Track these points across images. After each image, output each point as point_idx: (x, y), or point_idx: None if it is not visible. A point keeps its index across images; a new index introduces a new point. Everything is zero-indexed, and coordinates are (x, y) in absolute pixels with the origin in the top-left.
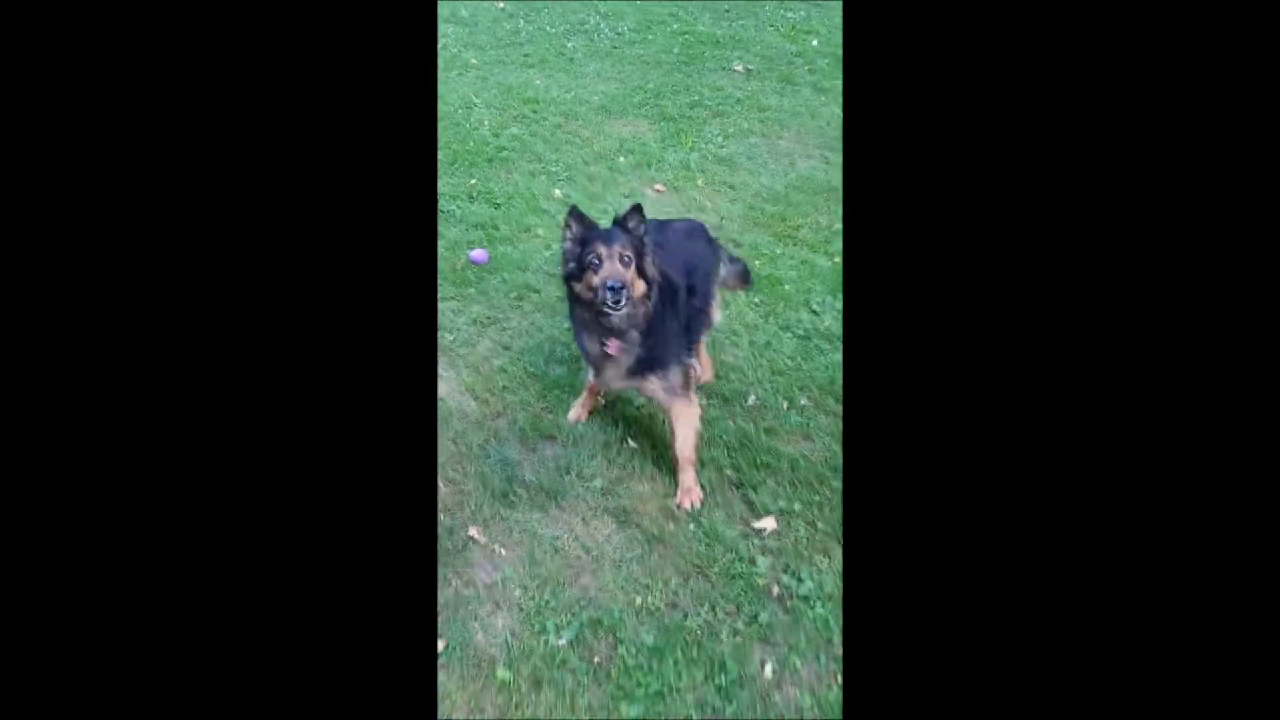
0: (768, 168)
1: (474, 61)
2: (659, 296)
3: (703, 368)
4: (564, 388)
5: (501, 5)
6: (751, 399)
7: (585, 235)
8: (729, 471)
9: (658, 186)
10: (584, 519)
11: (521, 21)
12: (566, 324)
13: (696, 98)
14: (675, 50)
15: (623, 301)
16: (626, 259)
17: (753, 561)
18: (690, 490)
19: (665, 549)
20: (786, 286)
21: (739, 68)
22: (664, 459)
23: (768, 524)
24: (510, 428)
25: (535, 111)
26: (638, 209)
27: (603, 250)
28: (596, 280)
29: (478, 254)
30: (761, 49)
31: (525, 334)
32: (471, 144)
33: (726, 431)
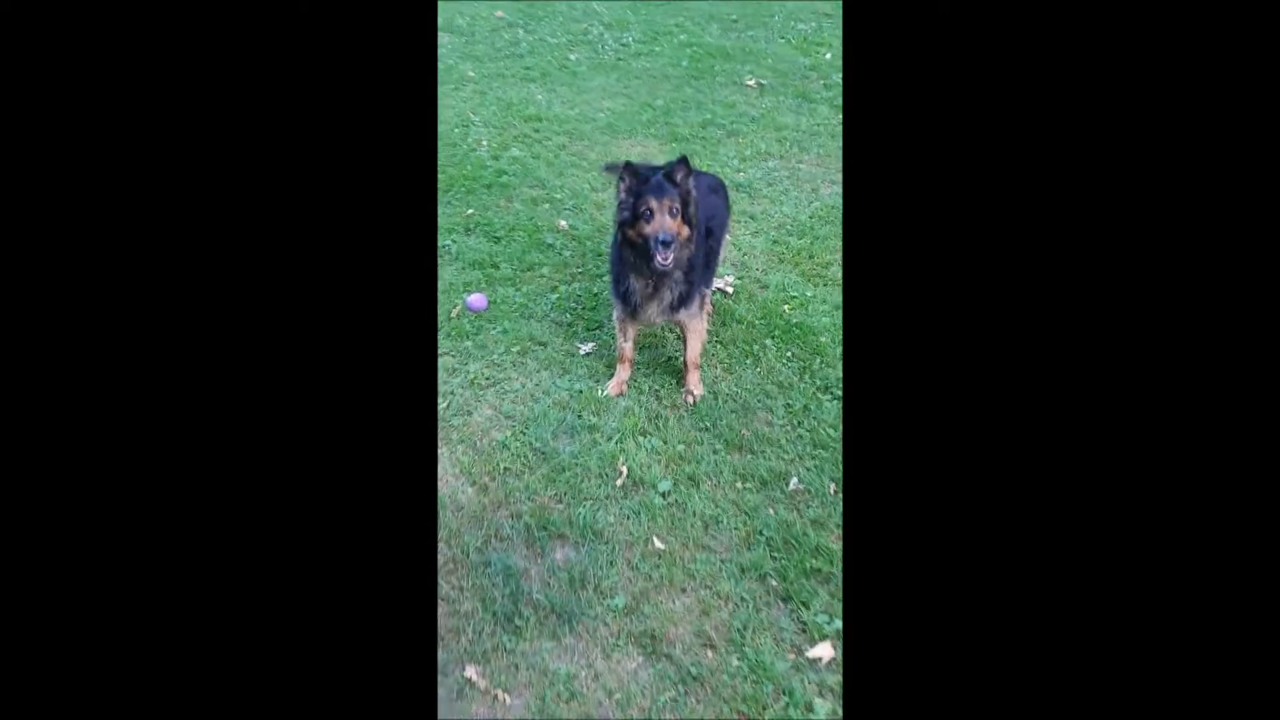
0: (789, 195)
1: (471, 74)
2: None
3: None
4: (576, 469)
5: (500, 14)
6: (794, 482)
7: (639, 187)
8: (773, 580)
9: None
10: (604, 649)
11: (521, 31)
12: (579, 386)
13: (709, 115)
14: (683, 63)
15: (671, 250)
16: (675, 210)
17: (809, 708)
18: (695, 389)
19: (704, 690)
20: (822, 338)
21: (751, 82)
22: (698, 561)
23: (823, 652)
24: (513, 523)
25: (537, 130)
26: (684, 162)
27: (654, 203)
28: (649, 230)
29: (475, 299)
30: (773, 62)
31: (530, 398)
32: (469, 167)
33: (767, 525)
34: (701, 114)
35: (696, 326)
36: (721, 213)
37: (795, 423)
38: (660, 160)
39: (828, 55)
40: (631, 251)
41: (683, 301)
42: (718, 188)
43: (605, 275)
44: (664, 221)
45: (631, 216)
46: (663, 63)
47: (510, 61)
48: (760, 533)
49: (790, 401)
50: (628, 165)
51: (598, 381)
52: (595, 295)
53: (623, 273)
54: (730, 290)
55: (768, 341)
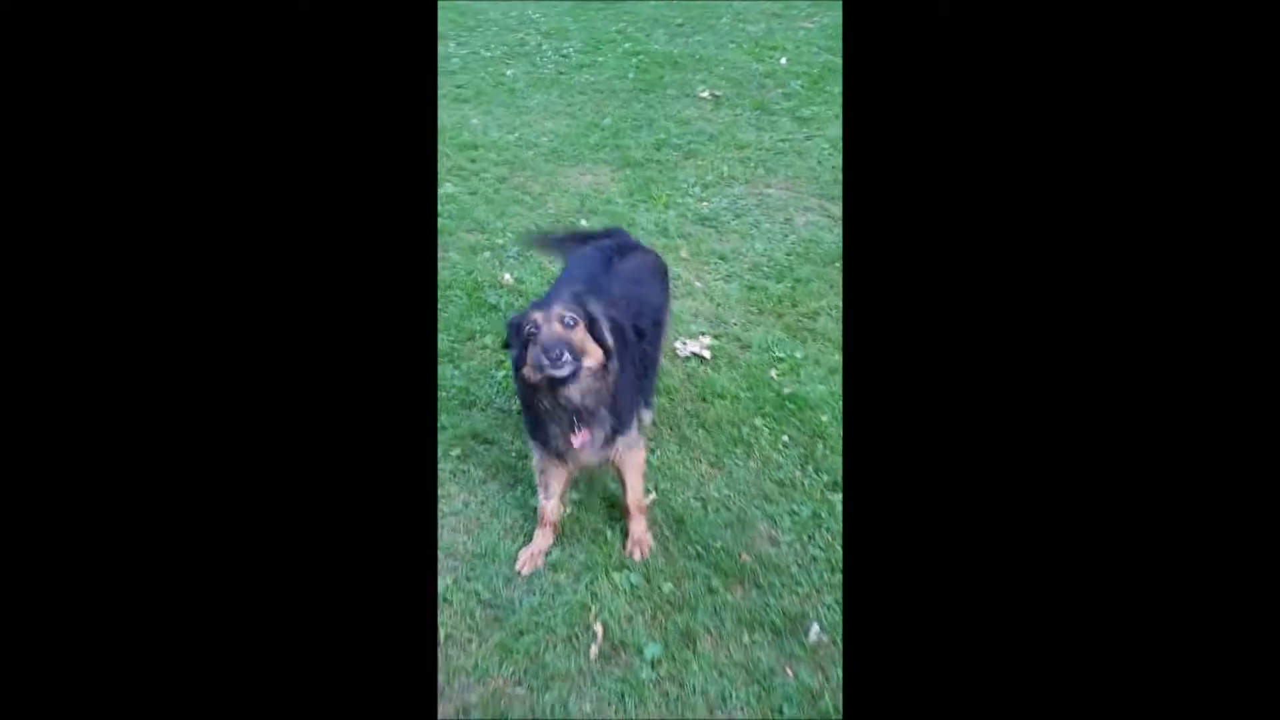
0: (761, 228)
1: None
2: (619, 346)
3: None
4: (538, 631)
5: None
6: (814, 631)
7: (521, 320)
8: None
9: None
10: None
11: (453, 45)
12: (534, 500)
13: (662, 135)
14: (630, 75)
15: (563, 362)
16: (569, 320)
17: None
18: (641, 540)
19: None
20: (823, 416)
21: (705, 94)
22: None
23: None
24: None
25: (473, 161)
26: (582, 297)
27: (538, 315)
28: (537, 349)
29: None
30: (726, 69)
31: (475, 523)
32: None
33: (788, 698)
34: (654, 133)
35: (635, 459)
36: (656, 299)
37: (805, 537)
38: (615, 194)
39: (782, 60)
40: (537, 395)
41: (615, 434)
42: (644, 269)
43: None
44: (551, 330)
45: (521, 350)
46: (608, 75)
47: (441, 79)
48: (780, 711)
49: (795, 507)
50: (510, 323)
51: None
52: None
53: (536, 422)
54: (708, 354)
55: (758, 422)
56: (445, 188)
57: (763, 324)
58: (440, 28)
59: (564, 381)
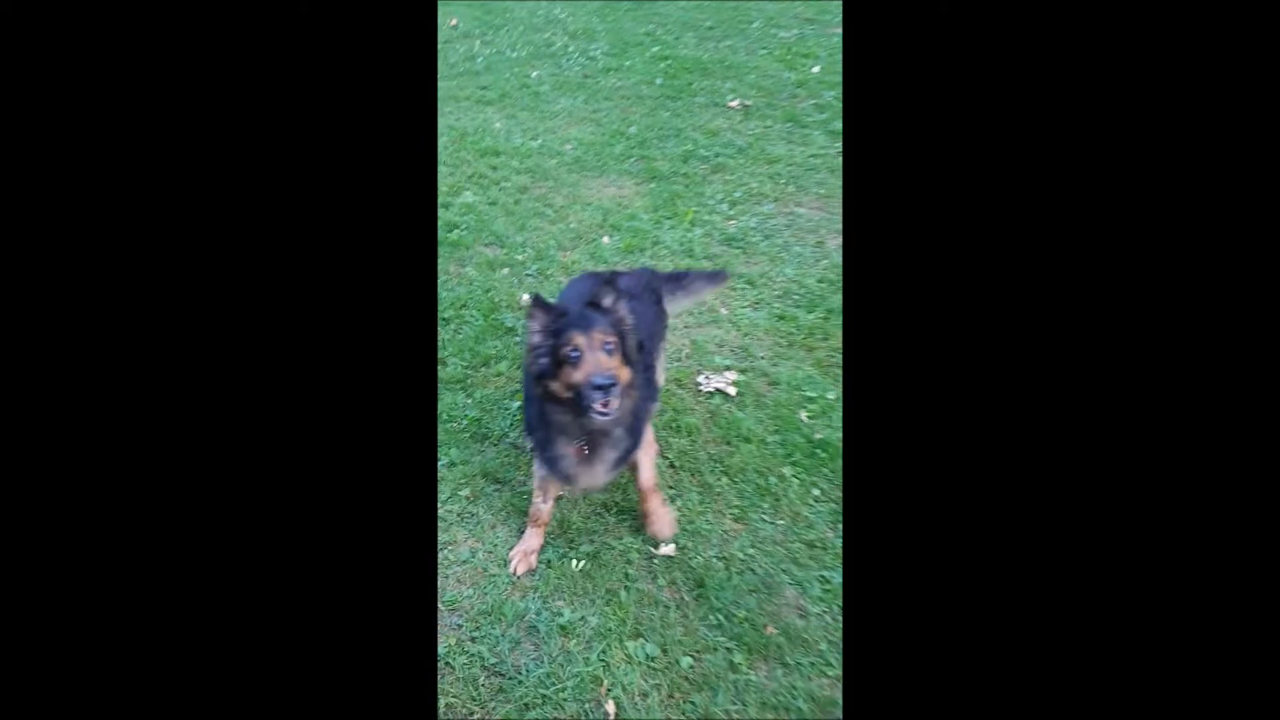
0: (791, 250)
1: None
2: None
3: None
4: (545, 707)
5: (454, 22)
6: None
7: (556, 324)
8: None
9: None
10: None
11: (478, 44)
12: (546, 552)
13: (689, 145)
14: (658, 80)
15: (614, 399)
16: (610, 346)
17: None
18: (659, 514)
19: None
20: None
21: (735, 103)
22: None
23: None
24: None
25: (495, 169)
26: (611, 282)
27: (581, 340)
28: (579, 376)
29: None
30: (757, 77)
31: (483, 575)
32: None
33: None
34: (681, 144)
35: (646, 455)
36: (649, 321)
37: (836, 608)
38: (639, 209)
39: (815, 69)
40: (557, 409)
41: (632, 450)
42: (638, 289)
43: None
44: (596, 360)
45: (552, 364)
46: (635, 80)
47: (465, 80)
48: None
49: (826, 574)
50: (536, 300)
51: (572, 543)
52: None
53: (547, 437)
54: (733, 391)
55: (787, 471)
56: (464, 196)
57: (792, 358)
58: (466, 25)
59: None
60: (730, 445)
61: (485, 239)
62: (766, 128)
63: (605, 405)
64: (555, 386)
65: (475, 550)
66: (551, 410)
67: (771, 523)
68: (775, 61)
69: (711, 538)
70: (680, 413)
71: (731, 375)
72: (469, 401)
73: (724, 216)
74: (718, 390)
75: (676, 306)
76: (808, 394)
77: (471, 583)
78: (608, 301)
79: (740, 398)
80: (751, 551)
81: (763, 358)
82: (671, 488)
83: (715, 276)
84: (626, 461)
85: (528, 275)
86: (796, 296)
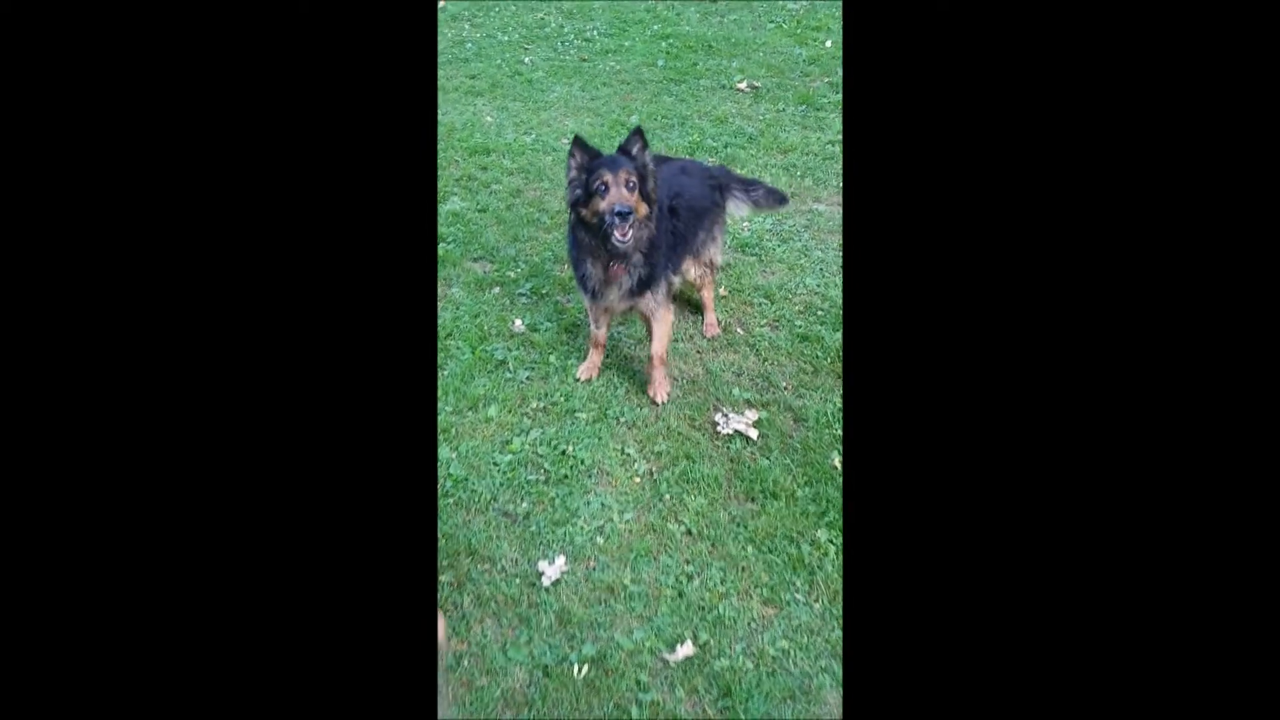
0: (812, 256)
1: None
2: (657, 221)
3: (709, 325)
4: None
5: (443, 3)
6: None
7: (590, 163)
8: None
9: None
10: None
11: (468, 26)
12: (547, 654)
13: (696, 136)
14: (660, 62)
15: (629, 226)
16: (631, 184)
17: None
18: (661, 384)
19: None
20: None
21: (743, 85)
22: None
23: None
24: None
25: (485, 169)
26: (639, 134)
27: (609, 177)
28: (604, 205)
29: None
30: (765, 55)
31: (466, 686)
32: None
33: None
34: (687, 133)
35: (663, 316)
36: (694, 196)
37: None
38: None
39: (828, 44)
40: (586, 233)
41: (644, 285)
42: (691, 169)
43: (582, 409)
44: (619, 194)
45: (584, 194)
46: (635, 62)
47: (454, 67)
48: None
49: None
50: (577, 140)
51: (573, 640)
52: (562, 453)
53: (579, 257)
54: (755, 434)
55: (821, 535)
56: (451, 203)
57: (819, 387)
58: (456, 7)
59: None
60: (755, 502)
61: (474, 252)
62: (779, 111)
63: (623, 234)
64: (585, 213)
65: (460, 655)
66: (581, 234)
67: (807, 604)
68: (785, 36)
69: (738, 628)
70: (695, 461)
71: (752, 414)
72: (454, 456)
73: (738, 219)
74: (737, 432)
75: (740, 209)
76: (839, 433)
77: (455, 697)
78: (635, 150)
79: (763, 441)
80: (785, 644)
81: (785, 388)
82: (689, 562)
83: (780, 197)
84: (642, 293)
85: (520, 295)
86: (820, 312)
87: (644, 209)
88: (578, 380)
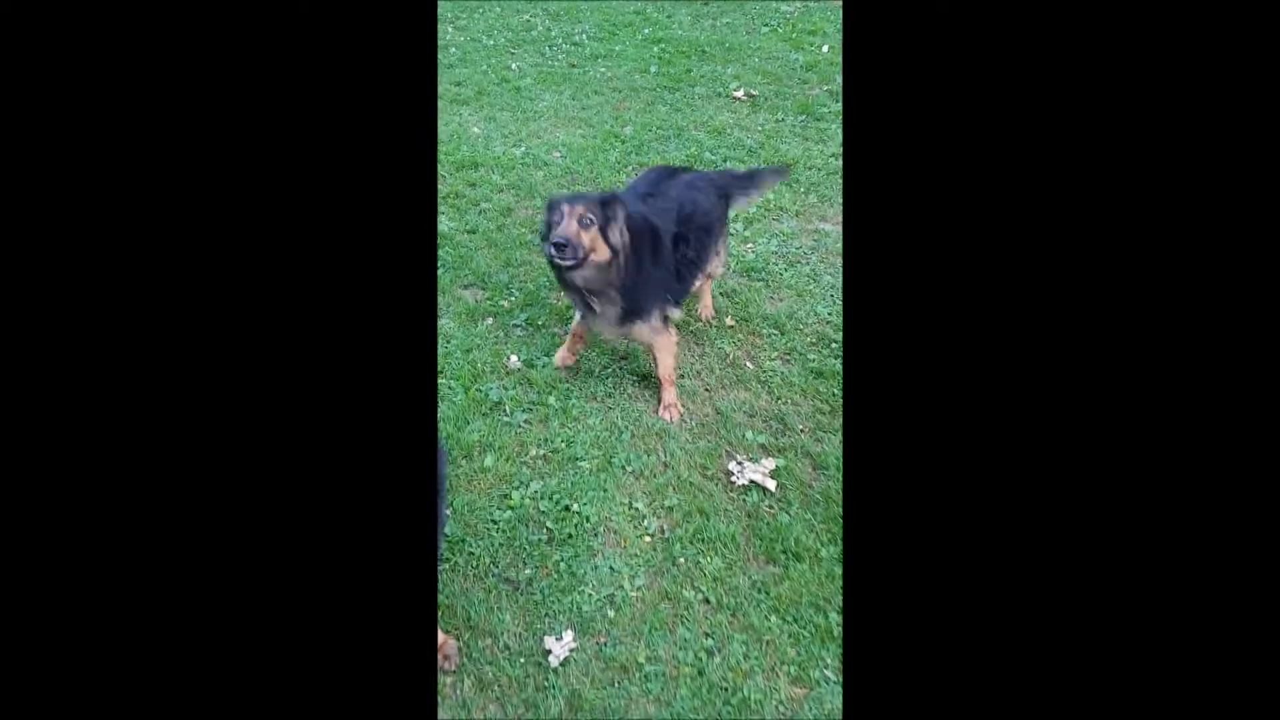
0: (821, 281)
1: None
2: (645, 248)
3: (704, 307)
4: None
5: None
6: None
7: (556, 200)
8: None
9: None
10: None
11: (450, 29)
12: None
13: (693, 148)
14: (652, 68)
15: (568, 257)
16: (586, 221)
17: None
18: (672, 405)
19: None
20: None
21: (740, 93)
22: None
23: None
24: None
25: (474, 186)
26: (618, 202)
27: (566, 208)
28: (552, 235)
29: None
30: (761, 60)
31: None
32: None
33: None
34: (684, 146)
35: (662, 343)
36: (706, 214)
37: None
38: None
39: (825, 48)
40: (557, 272)
41: (630, 316)
42: (700, 183)
43: (585, 457)
44: (567, 227)
45: (546, 230)
46: (626, 68)
47: (438, 74)
48: None
49: None
50: (548, 204)
51: None
52: (565, 509)
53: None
54: (772, 485)
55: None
56: (439, 224)
57: (837, 430)
58: (439, 9)
59: (569, 269)
60: (777, 565)
61: (465, 279)
62: (778, 121)
63: (561, 258)
64: (547, 249)
65: None
66: (556, 275)
67: (838, 682)
68: (780, 41)
69: (765, 711)
70: (710, 516)
71: (769, 463)
72: (448, 513)
73: (739, 239)
74: (753, 483)
75: (750, 202)
76: None
77: None
78: (609, 208)
79: (782, 491)
80: None
81: (802, 430)
82: (708, 635)
83: (781, 171)
84: (630, 324)
85: (515, 327)
86: (834, 344)
87: (604, 252)
88: (556, 369)
